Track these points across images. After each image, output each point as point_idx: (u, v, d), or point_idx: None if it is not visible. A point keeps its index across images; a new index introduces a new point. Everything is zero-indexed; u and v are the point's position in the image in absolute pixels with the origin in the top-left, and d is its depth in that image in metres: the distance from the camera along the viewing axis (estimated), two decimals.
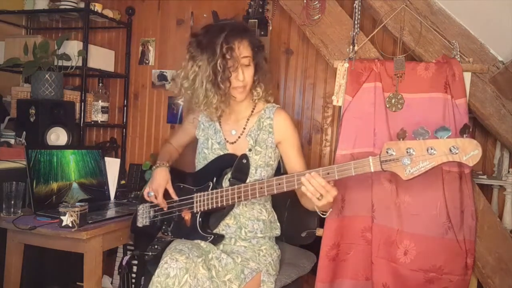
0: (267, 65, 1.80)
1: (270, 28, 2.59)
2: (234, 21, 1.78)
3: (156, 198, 1.79)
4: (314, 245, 2.05)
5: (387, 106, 1.97)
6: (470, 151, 1.34)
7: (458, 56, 1.97)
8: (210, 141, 1.83)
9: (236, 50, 1.64)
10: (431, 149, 1.36)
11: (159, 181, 1.78)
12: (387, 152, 1.41)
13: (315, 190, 1.46)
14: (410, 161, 1.38)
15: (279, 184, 1.56)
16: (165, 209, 1.79)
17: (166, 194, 1.79)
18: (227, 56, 1.62)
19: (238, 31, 1.68)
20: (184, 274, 1.46)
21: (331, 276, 1.99)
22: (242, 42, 1.66)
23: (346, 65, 2.03)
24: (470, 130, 1.38)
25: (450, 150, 1.35)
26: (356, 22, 2.10)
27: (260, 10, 2.33)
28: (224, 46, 1.62)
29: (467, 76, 1.93)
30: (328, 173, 1.47)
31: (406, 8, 2.06)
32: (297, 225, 2.04)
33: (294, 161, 1.76)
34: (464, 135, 1.35)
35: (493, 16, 1.89)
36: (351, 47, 2.09)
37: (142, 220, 1.89)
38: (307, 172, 1.49)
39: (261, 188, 1.59)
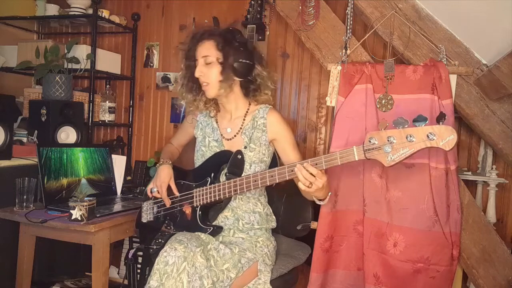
0: (244, 63, 1.72)
1: (268, 33, 2.58)
2: (209, 27, 1.86)
3: (158, 193, 1.80)
4: (309, 238, 2.04)
5: (378, 106, 1.97)
6: (446, 137, 1.35)
7: (445, 59, 1.97)
8: (208, 139, 1.84)
9: (197, 50, 1.73)
10: (410, 136, 1.38)
11: (163, 177, 1.79)
12: (369, 141, 1.43)
13: (304, 178, 1.49)
14: (391, 149, 1.40)
15: (272, 176, 1.58)
16: (168, 204, 1.80)
17: (168, 190, 1.80)
18: (186, 57, 1.77)
19: (205, 34, 1.75)
20: (182, 262, 1.47)
21: (324, 266, 2.00)
22: (204, 43, 1.73)
23: (339, 68, 2.03)
24: (446, 117, 1.39)
25: (428, 136, 1.36)
26: (348, 28, 2.11)
27: (258, 16, 2.32)
28: (186, 49, 1.77)
29: (453, 78, 1.93)
30: (316, 164, 1.49)
31: (395, 14, 2.06)
32: (293, 218, 2.04)
33: (290, 155, 1.77)
34: (440, 122, 1.36)
35: (477, 22, 1.89)
36: (343, 51, 2.09)
37: (146, 216, 1.89)
38: (297, 163, 1.51)
39: (255, 180, 1.60)
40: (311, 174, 1.48)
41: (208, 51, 1.71)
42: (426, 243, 1.87)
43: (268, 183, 1.59)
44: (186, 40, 1.81)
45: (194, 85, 1.78)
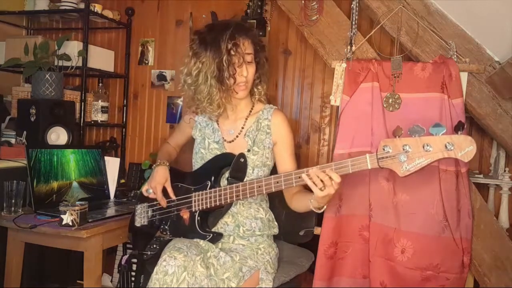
0: (267, 64, 1.81)
1: (269, 28, 2.58)
2: (237, 20, 1.80)
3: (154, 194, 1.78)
4: (312, 244, 2.04)
5: (385, 106, 1.96)
6: (465, 147, 1.35)
7: (455, 56, 1.96)
8: (207, 140, 1.83)
9: (241, 46, 1.66)
10: (427, 145, 1.37)
11: (158, 178, 1.77)
12: (383, 149, 1.42)
13: (319, 180, 1.45)
14: (407, 158, 1.39)
15: (277, 182, 1.56)
16: (164, 206, 1.78)
17: (165, 194, 1.78)
18: (232, 52, 1.64)
19: (242, 28, 1.70)
20: (182, 272, 1.46)
21: (329, 274, 1.99)
22: (246, 39, 1.68)
23: (344, 65, 2.03)
24: (465, 127, 1.39)
25: (446, 146, 1.36)
26: (353, 23, 2.10)
27: (259, 11, 2.33)
28: (229, 42, 1.63)
29: (464, 76, 1.92)
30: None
31: (403, 8, 2.06)
32: (295, 224, 2.02)
33: (287, 163, 1.76)
34: (459, 132, 1.36)
35: (489, 17, 1.88)
36: (348, 47, 2.08)
37: (140, 220, 1.87)
38: (304, 170, 1.50)
39: (259, 186, 1.58)
40: (330, 178, 1.46)
41: (250, 49, 1.70)
42: (435, 249, 1.87)
43: (273, 190, 1.57)
44: (211, 32, 1.69)
45: (224, 85, 1.66)
